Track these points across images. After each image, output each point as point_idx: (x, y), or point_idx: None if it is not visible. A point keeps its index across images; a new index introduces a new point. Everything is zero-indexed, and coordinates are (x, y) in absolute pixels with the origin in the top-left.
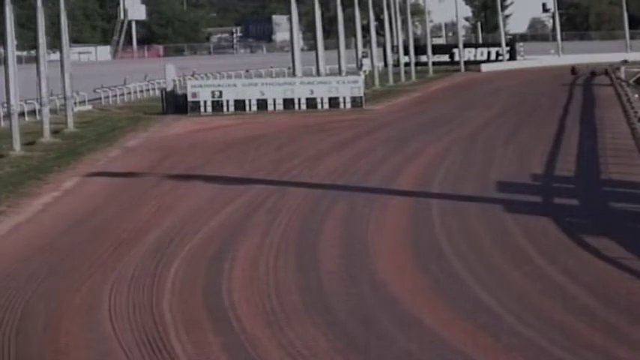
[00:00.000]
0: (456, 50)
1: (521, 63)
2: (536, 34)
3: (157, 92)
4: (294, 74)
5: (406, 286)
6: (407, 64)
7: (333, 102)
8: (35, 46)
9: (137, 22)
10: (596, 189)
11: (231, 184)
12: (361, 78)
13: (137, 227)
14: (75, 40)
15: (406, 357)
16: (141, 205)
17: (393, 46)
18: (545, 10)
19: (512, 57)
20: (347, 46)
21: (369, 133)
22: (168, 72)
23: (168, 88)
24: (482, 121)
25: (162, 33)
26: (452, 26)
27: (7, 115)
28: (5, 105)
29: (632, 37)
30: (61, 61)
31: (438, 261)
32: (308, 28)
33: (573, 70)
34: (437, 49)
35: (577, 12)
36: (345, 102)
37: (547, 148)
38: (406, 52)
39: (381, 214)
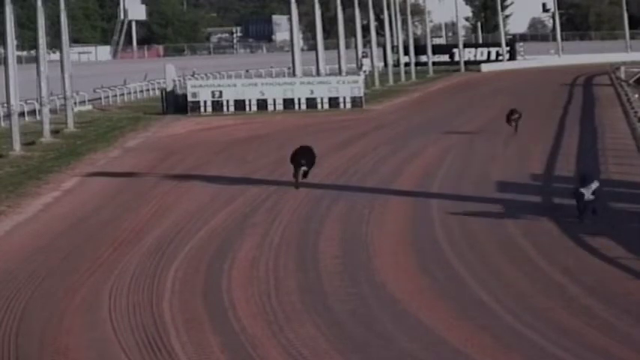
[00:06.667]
0: (456, 50)
1: (521, 63)
2: (536, 34)
3: (157, 92)
4: (294, 74)
5: (406, 286)
6: (407, 64)
7: (333, 102)
8: (35, 46)
9: (137, 22)
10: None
11: (232, 184)
12: (361, 78)
13: (137, 227)
14: (75, 40)
15: (406, 357)
16: (141, 205)
17: (393, 46)
18: (545, 10)
19: (512, 57)
20: (347, 46)
21: (369, 133)
22: (168, 72)
23: (168, 88)
24: (482, 121)
25: (162, 33)
26: (452, 26)
27: (7, 115)
28: (5, 105)
29: (632, 37)
30: (61, 61)
31: (437, 261)
32: (308, 28)
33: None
34: (437, 49)
35: (577, 12)
36: (345, 102)
37: (547, 148)
38: (406, 52)
39: (381, 214)
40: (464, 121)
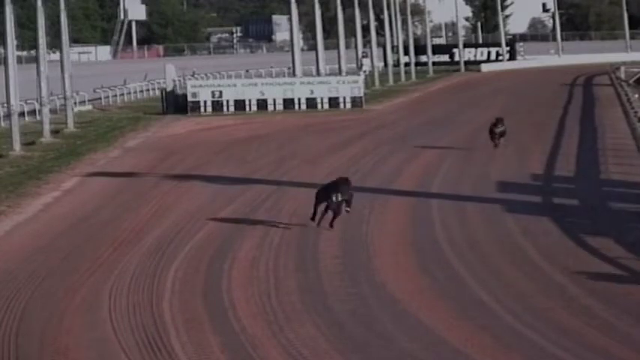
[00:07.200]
0: (456, 50)
1: (521, 63)
2: (536, 34)
3: (157, 92)
4: (294, 74)
5: (406, 286)
6: (407, 64)
7: (333, 102)
8: (35, 46)
9: (137, 22)
10: (596, 189)
11: (231, 184)
12: (361, 78)
13: (137, 227)
14: (75, 40)
15: (406, 357)
16: (141, 205)
17: (393, 46)
18: (545, 10)
19: (512, 57)
20: (347, 46)
21: (369, 133)
22: (168, 72)
23: (168, 88)
24: (482, 121)
25: (162, 33)
26: (452, 26)
27: (7, 115)
28: (5, 105)
29: (632, 37)
30: (61, 61)
31: (437, 261)
32: (308, 28)
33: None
34: (437, 49)
35: (577, 12)
36: (345, 102)
37: (547, 148)
38: (406, 52)
39: (381, 214)
40: (464, 120)
